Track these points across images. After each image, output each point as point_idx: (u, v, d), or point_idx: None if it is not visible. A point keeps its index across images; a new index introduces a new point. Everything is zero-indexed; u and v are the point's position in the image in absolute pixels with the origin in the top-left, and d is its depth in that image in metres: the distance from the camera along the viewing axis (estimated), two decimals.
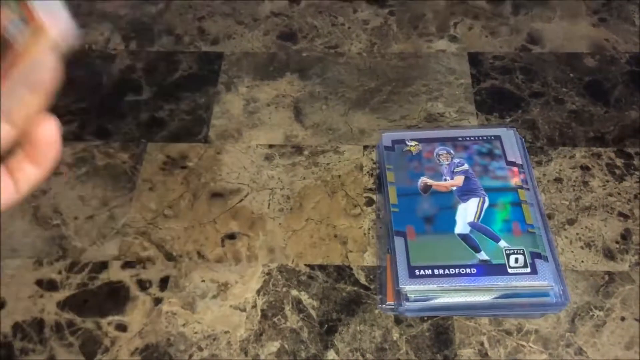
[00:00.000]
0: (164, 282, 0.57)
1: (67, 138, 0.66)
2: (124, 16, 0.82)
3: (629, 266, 0.57)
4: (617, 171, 0.63)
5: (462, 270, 0.53)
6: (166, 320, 0.55)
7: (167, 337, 0.54)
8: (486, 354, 0.52)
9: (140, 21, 0.81)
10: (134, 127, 0.69)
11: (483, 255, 0.53)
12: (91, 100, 0.72)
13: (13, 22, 0.27)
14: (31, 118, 0.27)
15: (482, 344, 0.53)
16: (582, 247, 0.58)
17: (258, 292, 0.57)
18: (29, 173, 0.28)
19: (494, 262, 0.53)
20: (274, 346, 0.54)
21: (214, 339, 0.54)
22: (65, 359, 0.53)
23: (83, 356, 0.54)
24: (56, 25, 0.27)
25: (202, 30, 0.79)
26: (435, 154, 0.61)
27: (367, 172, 0.64)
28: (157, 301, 0.56)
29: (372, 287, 0.57)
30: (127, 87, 0.74)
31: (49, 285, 0.58)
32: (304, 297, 0.56)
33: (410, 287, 0.53)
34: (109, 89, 0.73)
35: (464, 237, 0.55)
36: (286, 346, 0.54)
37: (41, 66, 0.27)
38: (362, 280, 0.57)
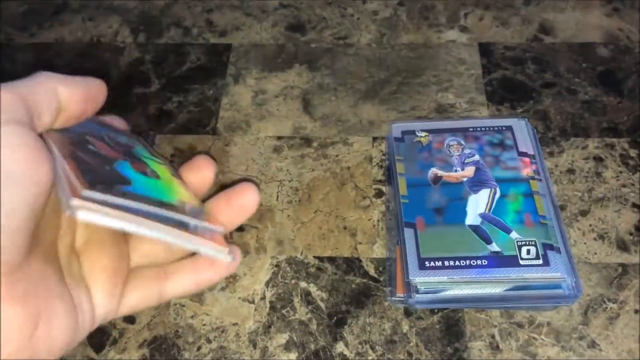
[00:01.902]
0: None
1: None
2: (132, 9, 0.82)
3: None
4: (631, 162, 0.62)
5: (473, 262, 0.52)
6: (174, 312, 0.55)
7: (176, 329, 0.54)
8: (497, 347, 0.52)
9: (149, 14, 0.81)
10: (143, 119, 0.69)
11: (494, 247, 0.53)
12: None
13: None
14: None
15: (493, 336, 0.52)
16: (595, 239, 0.57)
17: (267, 284, 0.56)
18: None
19: (506, 253, 0.52)
20: (282, 338, 0.53)
21: (223, 331, 0.54)
22: (73, 351, 0.53)
23: (91, 348, 0.53)
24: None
25: (210, 22, 0.79)
26: (445, 145, 0.60)
27: (377, 163, 0.64)
28: None
29: (381, 279, 0.56)
30: (135, 79, 0.73)
31: None
32: (312, 289, 0.56)
33: (420, 279, 0.52)
34: (117, 82, 0.73)
35: (474, 228, 0.54)
36: (295, 338, 0.53)
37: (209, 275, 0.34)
38: (372, 272, 0.56)
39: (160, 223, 0.29)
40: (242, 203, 0.36)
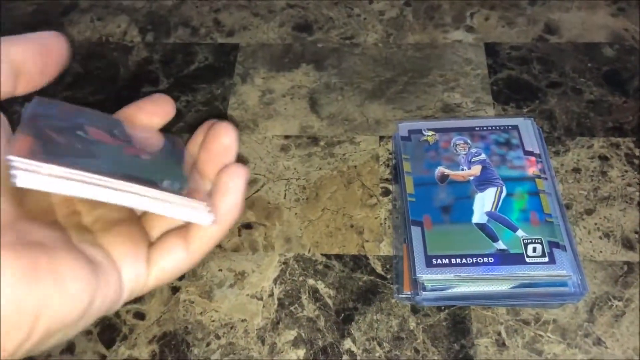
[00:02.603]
0: None
1: None
2: (140, 8, 0.82)
3: None
4: (636, 161, 0.62)
5: (480, 260, 0.53)
6: (184, 308, 0.56)
7: (185, 325, 0.55)
8: (503, 344, 0.52)
9: (157, 13, 0.81)
10: None
11: (500, 245, 0.53)
12: (108, 92, 0.72)
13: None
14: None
15: (499, 333, 0.53)
16: (600, 237, 0.58)
17: (275, 281, 0.57)
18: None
19: (512, 251, 0.53)
20: (290, 335, 0.54)
21: (231, 327, 0.54)
22: (84, 347, 0.54)
23: (102, 344, 0.54)
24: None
25: (218, 22, 0.80)
26: (452, 144, 0.61)
27: (383, 162, 0.64)
28: (175, 290, 0.57)
29: (388, 276, 0.57)
30: (143, 78, 0.74)
31: None
32: (320, 286, 0.56)
33: (427, 277, 0.52)
34: (125, 81, 0.74)
35: (481, 226, 0.55)
36: (303, 335, 0.54)
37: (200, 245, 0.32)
38: (379, 269, 0.57)
39: (112, 189, 0.28)
40: (220, 146, 0.33)
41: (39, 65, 0.27)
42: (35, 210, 0.27)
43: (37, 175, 0.26)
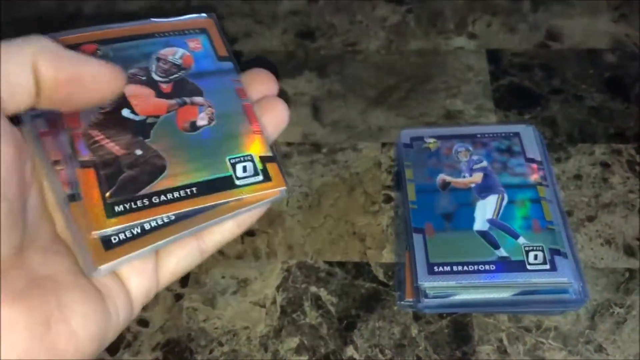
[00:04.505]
0: (184, 279, 0.58)
1: None
2: (144, 16, 0.83)
3: None
4: (638, 168, 0.62)
5: (481, 267, 0.53)
6: (187, 315, 0.56)
7: (188, 332, 0.55)
8: (505, 351, 0.52)
9: None
10: None
11: (502, 252, 0.53)
12: None
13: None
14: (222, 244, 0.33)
15: (501, 340, 0.53)
16: (602, 244, 0.58)
17: (277, 288, 0.57)
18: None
19: (513, 258, 0.53)
20: (293, 342, 0.54)
21: (234, 335, 0.55)
22: None
23: (106, 351, 0.55)
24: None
25: (223, 30, 0.80)
26: (454, 151, 0.61)
27: (386, 169, 0.64)
28: (178, 297, 0.57)
29: (390, 283, 0.57)
30: None
31: None
32: (323, 293, 0.57)
33: (429, 284, 0.53)
34: None
35: (483, 233, 0.55)
36: (305, 342, 0.54)
37: (255, 213, 0.33)
38: (381, 277, 0.57)
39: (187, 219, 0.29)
40: (272, 120, 0.35)
41: (67, 93, 0.25)
42: (39, 231, 0.26)
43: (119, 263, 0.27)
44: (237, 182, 0.31)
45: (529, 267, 0.53)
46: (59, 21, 0.83)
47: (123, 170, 0.29)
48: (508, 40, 0.76)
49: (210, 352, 0.54)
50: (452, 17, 0.79)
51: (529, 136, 0.62)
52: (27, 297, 0.23)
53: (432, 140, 0.62)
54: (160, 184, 0.29)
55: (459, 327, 0.54)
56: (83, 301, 0.25)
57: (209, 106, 0.33)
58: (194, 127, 0.32)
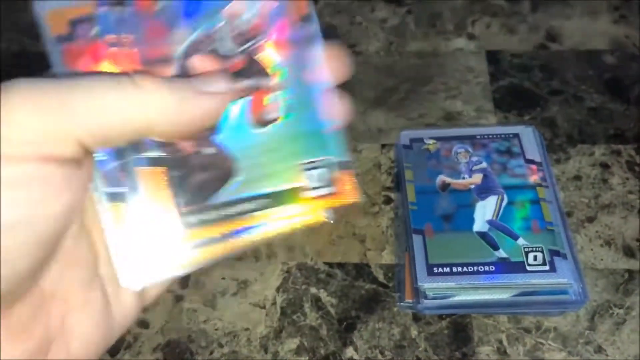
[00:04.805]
0: (185, 280, 0.58)
1: None
2: None
3: None
4: (637, 168, 0.63)
5: (481, 268, 0.53)
6: (187, 317, 0.56)
7: (188, 333, 0.55)
8: (505, 352, 0.52)
9: None
10: None
11: (502, 253, 0.54)
12: None
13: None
14: None
15: (500, 341, 0.53)
16: (601, 245, 0.58)
17: (277, 289, 0.57)
18: None
19: (513, 260, 0.53)
20: (293, 343, 0.54)
21: (235, 336, 0.55)
22: None
23: (107, 352, 0.55)
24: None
25: None
26: (453, 152, 0.61)
27: (386, 170, 0.65)
28: (178, 298, 0.57)
29: (390, 285, 0.57)
30: None
31: None
32: (322, 294, 0.57)
33: (428, 285, 0.53)
34: None
35: (482, 235, 0.55)
36: (305, 343, 0.54)
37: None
38: (381, 278, 0.57)
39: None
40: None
41: (177, 132, 0.24)
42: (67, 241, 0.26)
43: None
44: (308, 193, 0.27)
45: (528, 268, 0.53)
46: None
47: (193, 173, 0.26)
48: (507, 41, 0.76)
49: (211, 353, 0.54)
50: (452, 19, 0.79)
51: (528, 137, 0.62)
52: (30, 331, 0.23)
53: (431, 141, 0.62)
54: (231, 191, 0.26)
55: (459, 328, 0.54)
56: (88, 322, 0.25)
57: (285, 90, 0.27)
58: (266, 119, 0.27)
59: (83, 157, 0.23)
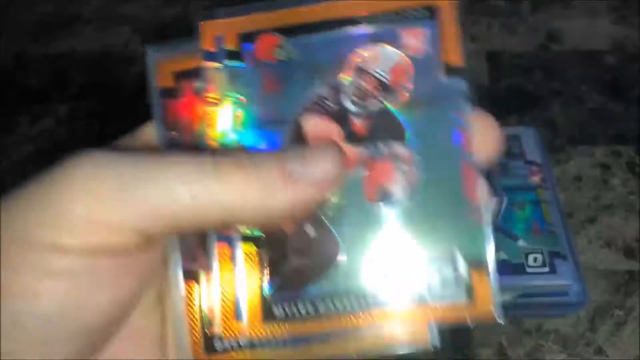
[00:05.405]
0: None
1: (87, 141, 0.67)
2: (143, 19, 0.83)
3: None
4: (637, 169, 0.62)
5: None
6: None
7: None
8: (505, 354, 0.52)
9: (160, 23, 0.82)
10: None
11: (502, 255, 0.53)
12: (111, 103, 0.73)
13: None
14: None
15: (501, 343, 0.53)
16: (602, 246, 0.58)
17: None
18: None
19: (513, 261, 0.53)
20: None
21: None
22: None
23: None
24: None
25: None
26: None
27: None
28: None
29: None
30: (146, 90, 0.74)
31: None
32: None
33: None
34: (128, 92, 0.74)
35: None
36: None
37: None
38: None
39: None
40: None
41: (255, 208, 0.20)
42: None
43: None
44: (431, 300, 0.22)
45: (528, 270, 0.52)
46: (58, 25, 0.83)
47: (289, 257, 0.22)
48: (508, 42, 0.75)
49: None
50: None
51: (528, 138, 0.62)
52: None
53: None
54: (331, 282, 0.22)
55: (459, 330, 0.54)
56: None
57: (412, 162, 0.22)
58: (386, 197, 0.22)
59: (145, 244, 0.21)
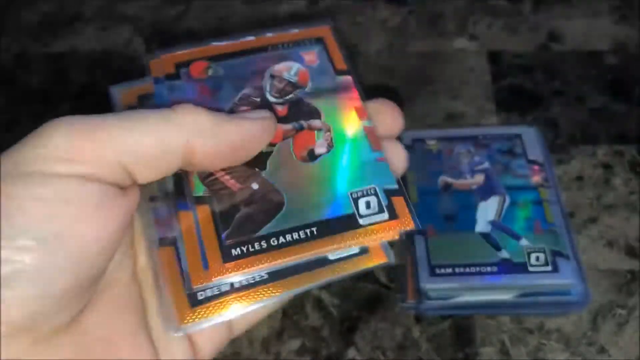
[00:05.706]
0: None
1: None
2: (144, 18, 0.83)
3: None
4: None
5: (483, 269, 0.53)
6: None
7: None
8: (507, 353, 0.52)
9: (161, 23, 0.82)
10: None
11: (504, 254, 0.53)
12: (111, 103, 0.73)
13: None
14: None
15: (503, 342, 0.53)
16: (604, 246, 0.58)
17: None
18: None
19: (515, 260, 0.53)
20: (295, 344, 0.54)
21: (236, 337, 0.55)
22: None
23: None
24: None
25: (223, 32, 0.80)
26: (455, 153, 0.61)
27: None
28: None
29: (392, 285, 0.57)
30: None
31: None
32: (324, 295, 0.57)
33: (430, 286, 0.53)
34: None
35: (484, 235, 0.55)
36: (307, 344, 0.54)
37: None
38: (383, 279, 0.57)
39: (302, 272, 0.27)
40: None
41: (213, 161, 0.26)
42: (113, 279, 0.26)
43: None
44: (360, 221, 0.27)
45: (530, 268, 0.52)
46: (59, 24, 0.83)
47: (239, 208, 0.27)
48: (509, 41, 0.76)
49: None
50: (453, 19, 0.79)
51: (530, 138, 0.62)
52: None
53: (433, 142, 0.62)
54: (278, 223, 0.26)
55: (461, 328, 0.54)
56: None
57: (328, 130, 0.29)
58: (312, 155, 0.29)
59: (128, 185, 0.24)
